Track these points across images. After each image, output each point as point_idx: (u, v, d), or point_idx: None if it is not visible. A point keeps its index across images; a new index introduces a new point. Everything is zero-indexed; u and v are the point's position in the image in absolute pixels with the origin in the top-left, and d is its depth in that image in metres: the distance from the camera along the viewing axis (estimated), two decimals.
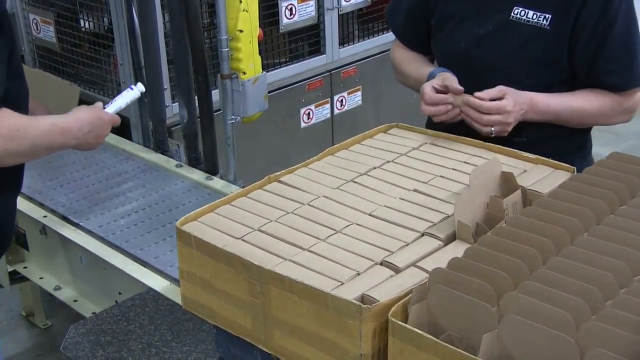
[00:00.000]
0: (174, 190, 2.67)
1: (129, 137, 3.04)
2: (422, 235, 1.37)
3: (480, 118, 1.75)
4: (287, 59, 3.52)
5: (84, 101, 2.63)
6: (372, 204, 1.48)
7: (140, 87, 2.10)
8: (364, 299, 1.20)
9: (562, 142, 1.88)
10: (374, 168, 1.62)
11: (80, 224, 2.43)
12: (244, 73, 2.72)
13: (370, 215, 1.44)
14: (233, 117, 2.77)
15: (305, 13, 3.43)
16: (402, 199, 1.49)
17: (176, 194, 2.64)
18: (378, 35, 3.81)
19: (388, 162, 1.65)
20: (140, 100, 2.80)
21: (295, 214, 1.45)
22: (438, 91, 1.79)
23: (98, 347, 1.87)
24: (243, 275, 1.30)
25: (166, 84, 2.96)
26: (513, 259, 1.18)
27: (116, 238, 2.35)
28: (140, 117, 3.00)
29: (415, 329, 1.10)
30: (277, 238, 1.38)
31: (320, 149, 1.71)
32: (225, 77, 2.71)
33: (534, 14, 1.78)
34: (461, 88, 1.77)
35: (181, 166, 2.84)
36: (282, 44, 3.47)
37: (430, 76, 1.86)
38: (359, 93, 3.76)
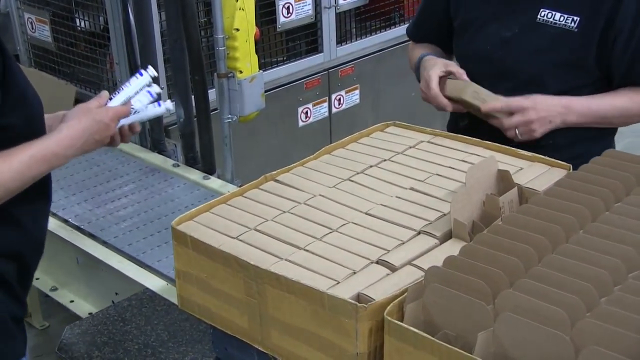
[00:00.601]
0: (170, 189, 2.67)
1: None
2: (419, 233, 1.37)
3: (500, 122, 1.77)
4: (285, 58, 3.52)
5: (80, 100, 2.62)
6: (368, 202, 1.48)
7: (151, 71, 1.66)
8: (360, 298, 1.20)
9: (589, 144, 1.87)
10: (371, 166, 1.62)
11: (80, 226, 2.43)
12: (241, 72, 2.72)
13: (366, 213, 1.44)
14: (230, 116, 2.77)
15: (302, 11, 3.42)
16: (399, 198, 1.49)
17: (172, 193, 2.64)
18: (375, 33, 3.81)
19: (385, 160, 1.64)
20: None
21: (292, 213, 1.45)
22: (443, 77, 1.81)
23: (94, 348, 1.87)
24: (239, 275, 1.30)
25: (163, 84, 2.95)
26: (509, 257, 1.18)
27: (110, 237, 2.35)
28: None
29: (411, 328, 1.09)
30: (273, 237, 1.37)
31: (318, 147, 1.71)
32: (222, 76, 2.71)
33: (561, 16, 1.77)
34: (463, 71, 1.81)
35: (178, 166, 2.84)
36: (279, 42, 3.47)
37: (420, 59, 1.89)
38: (357, 91, 3.75)
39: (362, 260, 1.29)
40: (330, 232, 1.38)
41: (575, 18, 1.76)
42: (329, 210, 1.46)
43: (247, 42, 2.69)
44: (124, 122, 1.60)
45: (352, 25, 3.74)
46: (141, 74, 1.66)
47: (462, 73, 1.82)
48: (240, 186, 2.00)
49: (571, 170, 1.54)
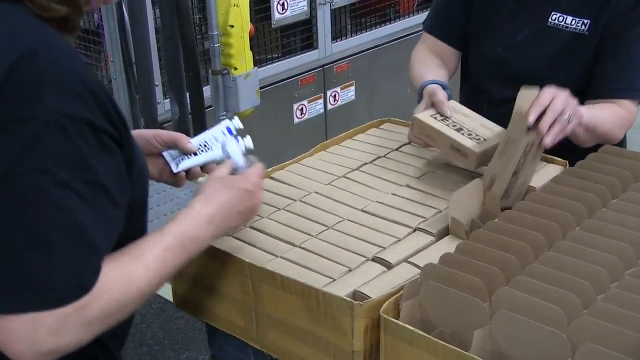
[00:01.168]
0: (167, 187, 2.66)
1: None
2: (414, 230, 1.36)
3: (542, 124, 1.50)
4: (280, 54, 3.51)
5: None
6: (364, 199, 1.47)
7: (248, 142, 1.40)
8: (355, 295, 1.19)
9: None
10: (366, 163, 1.62)
11: None
12: (236, 69, 2.71)
13: (362, 211, 1.44)
14: (225, 113, 2.76)
15: (297, 8, 3.41)
16: (394, 195, 1.49)
17: (169, 191, 2.63)
18: (371, 29, 3.80)
19: (380, 157, 1.64)
20: (132, 97, 2.79)
21: (287, 210, 1.45)
22: None
23: None
24: (235, 273, 1.30)
25: (157, 81, 2.94)
26: (505, 254, 1.17)
27: None
28: (132, 115, 2.99)
29: (407, 326, 1.09)
30: (268, 234, 1.37)
31: (313, 144, 1.70)
32: (216, 73, 2.70)
33: (572, 19, 1.75)
34: (450, 114, 1.62)
35: None
36: (274, 39, 3.46)
37: (422, 87, 1.73)
38: (352, 88, 3.75)
39: (358, 258, 1.28)
40: (326, 230, 1.38)
41: (585, 21, 1.74)
42: (325, 207, 1.45)
43: (241, 38, 2.68)
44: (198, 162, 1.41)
45: (347, 21, 3.73)
46: (232, 135, 1.41)
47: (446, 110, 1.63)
48: None
49: (567, 167, 1.54)
